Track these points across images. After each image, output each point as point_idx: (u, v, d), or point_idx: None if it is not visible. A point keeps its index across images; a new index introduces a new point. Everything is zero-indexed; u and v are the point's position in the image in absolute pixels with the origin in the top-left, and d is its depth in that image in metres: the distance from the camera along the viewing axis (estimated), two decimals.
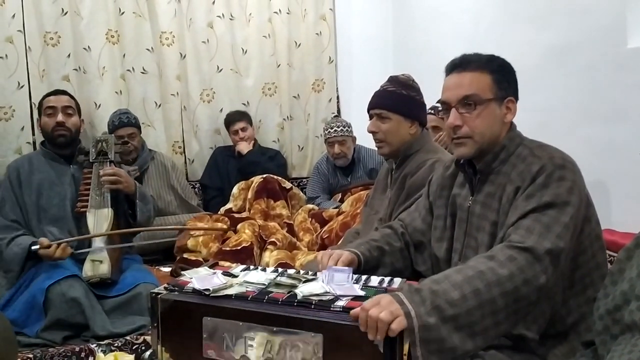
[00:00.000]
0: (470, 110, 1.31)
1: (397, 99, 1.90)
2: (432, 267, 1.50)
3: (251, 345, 1.12)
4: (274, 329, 1.09)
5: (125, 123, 3.12)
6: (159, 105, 3.52)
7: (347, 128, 3.38)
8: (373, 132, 1.94)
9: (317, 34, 3.88)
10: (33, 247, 2.08)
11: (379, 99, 1.94)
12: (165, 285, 1.27)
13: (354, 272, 1.33)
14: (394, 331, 1.01)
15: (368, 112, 1.96)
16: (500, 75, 1.32)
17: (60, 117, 2.32)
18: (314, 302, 1.13)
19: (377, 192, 2.10)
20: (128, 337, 1.92)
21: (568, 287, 1.26)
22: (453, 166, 1.48)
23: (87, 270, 2.10)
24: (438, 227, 1.49)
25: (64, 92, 2.45)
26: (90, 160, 2.35)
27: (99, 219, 2.21)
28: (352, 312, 1.06)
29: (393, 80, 1.96)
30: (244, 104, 3.75)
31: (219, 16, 3.65)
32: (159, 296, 1.22)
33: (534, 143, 1.34)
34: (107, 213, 2.23)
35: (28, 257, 2.12)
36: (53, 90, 2.53)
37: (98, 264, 2.11)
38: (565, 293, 1.25)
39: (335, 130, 3.36)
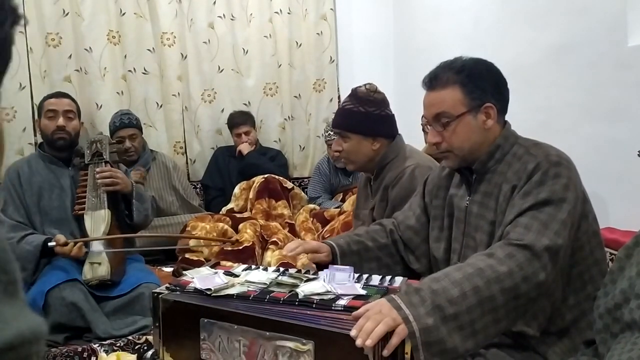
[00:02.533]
0: (445, 127, 1.32)
1: (354, 118, 1.86)
2: (431, 267, 1.50)
3: (245, 349, 1.12)
4: (267, 333, 1.09)
5: (126, 124, 3.11)
6: (160, 106, 3.53)
7: None
8: (337, 152, 1.93)
9: (318, 33, 3.88)
10: (50, 244, 2.07)
11: (338, 118, 1.93)
12: (167, 285, 1.28)
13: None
14: (400, 336, 1.01)
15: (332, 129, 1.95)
16: (472, 85, 1.30)
17: (61, 120, 2.29)
18: (315, 302, 1.13)
19: (361, 202, 2.08)
20: (130, 337, 1.93)
21: (566, 284, 1.26)
22: None
23: (86, 272, 2.09)
24: (435, 228, 1.49)
25: (65, 95, 2.43)
26: (86, 162, 2.34)
27: (96, 221, 2.21)
28: (354, 313, 1.06)
29: (352, 95, 1.91)
30: (245, 104, 3.76)
31: (219, 16, 3.65)
32: (161, 296, 1.22)
33: (529, 141, 1.34)
34: (104, 214, 2.22)
35: (41, 256, 2.11)
36: (54, 92, 2.50)
37: (97, 266, 2.10)
38: (564, 290, 1.26)
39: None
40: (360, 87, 1.92)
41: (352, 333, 1.00)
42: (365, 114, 1.86)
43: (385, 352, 1.00)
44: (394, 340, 1.00)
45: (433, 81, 1.34)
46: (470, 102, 1.30)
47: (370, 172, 1.95)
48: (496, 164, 1.33)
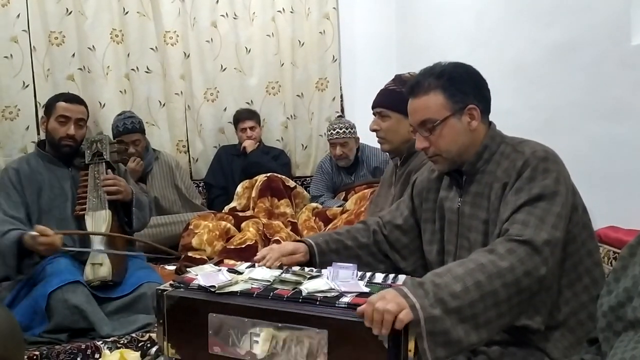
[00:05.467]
0: (431, 132, 1.35)
1: (396, 97, 1.88)
2: (417, 266, 1.52)
3: (256, 341, 1.12)
4: (279, 324, 1.10)
5: (129, 129, 3.11)
6: (163, 105, 3.54)
7: (349, 129, 3.38)
8: (375, 130, 1.95)
9: (320, 32, 3.88)
10: (32, 233, 1.99)
11: (380, 97, 1.96)
12: (171, 282, 1.28)
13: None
14: (402, 321, 1.02)
15: (372, 110, 1.97)
16: (453, 88, 1.33)
17: (72, 129, 2.27)
18: (318, 299, 1.13)
19: (383, 189, 2.12)
20: (134, 335, 1.93)
21: (561, 277, 1.27)
22: None
23: (88, 273, 2.08)
24: (427, 231, 1.50)
25: (80, 101, 2.38)
26: (86, 162, 2.33)
27: (97, 221, 2.20)
28: (358, 309, 1.07)
29: (396, 79, 1.96)
30: (248, 103, 3.77)
31: (222, 15, 3.66)
32: (165, 293, 1.22)
33: (515, 140, 1.37)
34: (105, 215, 2.21)
35: (22, 254, 2.06)
36: (69, 95, 2.41)
37: (98, 267, 2.10)
38: (559, 283, 1.27)
39: (338, 132, 3.37)
40: (404, 73, 1.96)
41: (367, 324, 1.02)
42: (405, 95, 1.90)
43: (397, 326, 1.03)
44: (398, 325, 1.02)
45: (415, 88, 1.37)
46: (453, 105, 1.33)
47: (400, 156, 1.97)
48: (485, 164, 1.35)
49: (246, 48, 3.74)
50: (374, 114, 1.97)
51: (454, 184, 1.43)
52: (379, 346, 1.02)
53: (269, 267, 1.37)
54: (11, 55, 3.07)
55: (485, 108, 1.37)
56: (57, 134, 2.28)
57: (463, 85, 1.34)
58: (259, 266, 1.40)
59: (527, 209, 1.21)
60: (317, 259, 1.47)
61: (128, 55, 3.43)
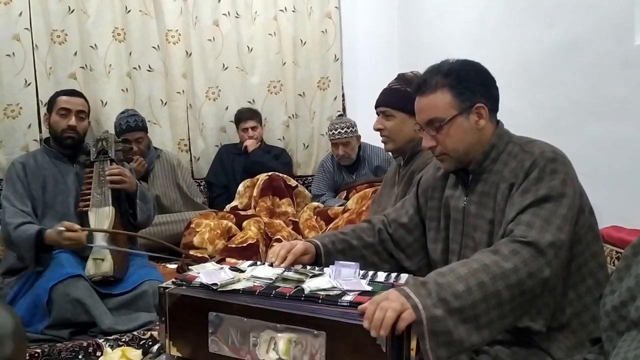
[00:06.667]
0: (438, 131, 1.34)
1: (401, 96, 1.89)
2: (421, 265, 1.52)
3: (255, 342, 1.12)
4: (278, 325, 1.09)
5: (132, 127, 3.12)
6: (165, 103, 3.54)
7: (350, 129, 3.38)
8: (379, 130, 1.95)
9: (322, 31, 3.88)
10: (59, 228, 2.06)
11: (384, 96, 1.96)
12: (173, 279, 1.28)
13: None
14: (405, 320, 1.01)
15: (375, 109, 1.97)
16: (461, 87, 1.31)
17: (73, 120, 2.31)
18: (321, 297, 1.13)
19: (385, 188, 2.11)
20: (135, 333, 1.93)
21: (566, 278, 1.27)
22: None
23: (90, 268, 2.10)
24: (432, 229, 1.49)
25: (79, 94, 2.43)
26: (91, 160, 2.36)
27: (100, 218, 2.21)
28: (360, 307, 1.06)
29: (400, 78, 1.96)
30: (250, 102, 3.77)
31: (224, 14, 3.66)
32: (167, 291, 1.22)
33: (522, 139, 1.36)
34: (108, 211, 2.23)
35: (39, 248, 2.10)
36: (69, 90, 2.50)
37: (100, 262, 2.11)
38: (564, 284, 1.27)
39: (340, 132, 3.37)
40: (406, 72, 1.96)
41: (365, 325, 1.00)
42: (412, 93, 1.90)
43: (400, 326, 1.01)
44: (401, 324, 1.01)
45: (422, 87, 1.36)
46: (460, 104, 1.32)
47: (404, 155, 1.97)
48: (492, 163, 1.34)
49: (248, 47, 3.74)
50: (377, 113, 1.96)
51: (460, 182, 1.42)
52: (378, 350, 1.00)
53: (279, 264, 1.36)
54: (13, 53, 3.07)
55: (493, 106, 1.35)
56: (59, 126, 2.32)
57: (471, 84, 1.32)
58: (261, 264, 1.40)
59: (533, 210, 1.20)
60: (323, 260, 1.45)
61: (130, 53, 3.43)
